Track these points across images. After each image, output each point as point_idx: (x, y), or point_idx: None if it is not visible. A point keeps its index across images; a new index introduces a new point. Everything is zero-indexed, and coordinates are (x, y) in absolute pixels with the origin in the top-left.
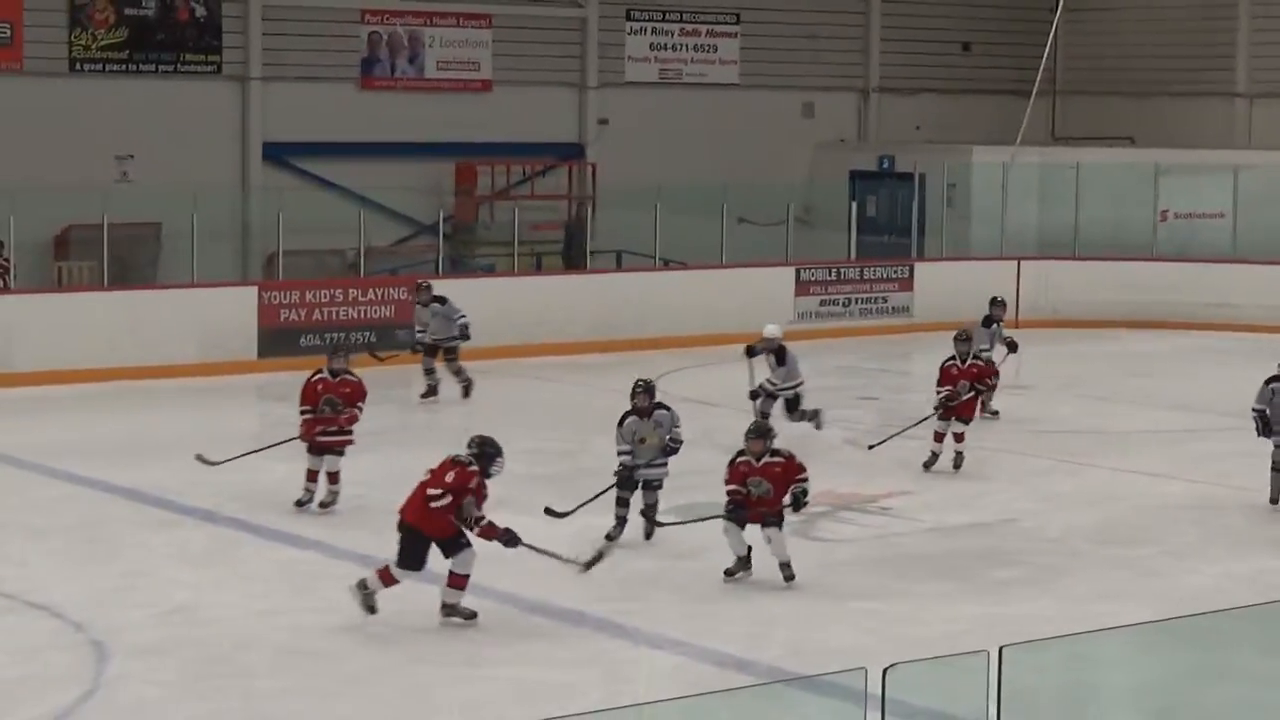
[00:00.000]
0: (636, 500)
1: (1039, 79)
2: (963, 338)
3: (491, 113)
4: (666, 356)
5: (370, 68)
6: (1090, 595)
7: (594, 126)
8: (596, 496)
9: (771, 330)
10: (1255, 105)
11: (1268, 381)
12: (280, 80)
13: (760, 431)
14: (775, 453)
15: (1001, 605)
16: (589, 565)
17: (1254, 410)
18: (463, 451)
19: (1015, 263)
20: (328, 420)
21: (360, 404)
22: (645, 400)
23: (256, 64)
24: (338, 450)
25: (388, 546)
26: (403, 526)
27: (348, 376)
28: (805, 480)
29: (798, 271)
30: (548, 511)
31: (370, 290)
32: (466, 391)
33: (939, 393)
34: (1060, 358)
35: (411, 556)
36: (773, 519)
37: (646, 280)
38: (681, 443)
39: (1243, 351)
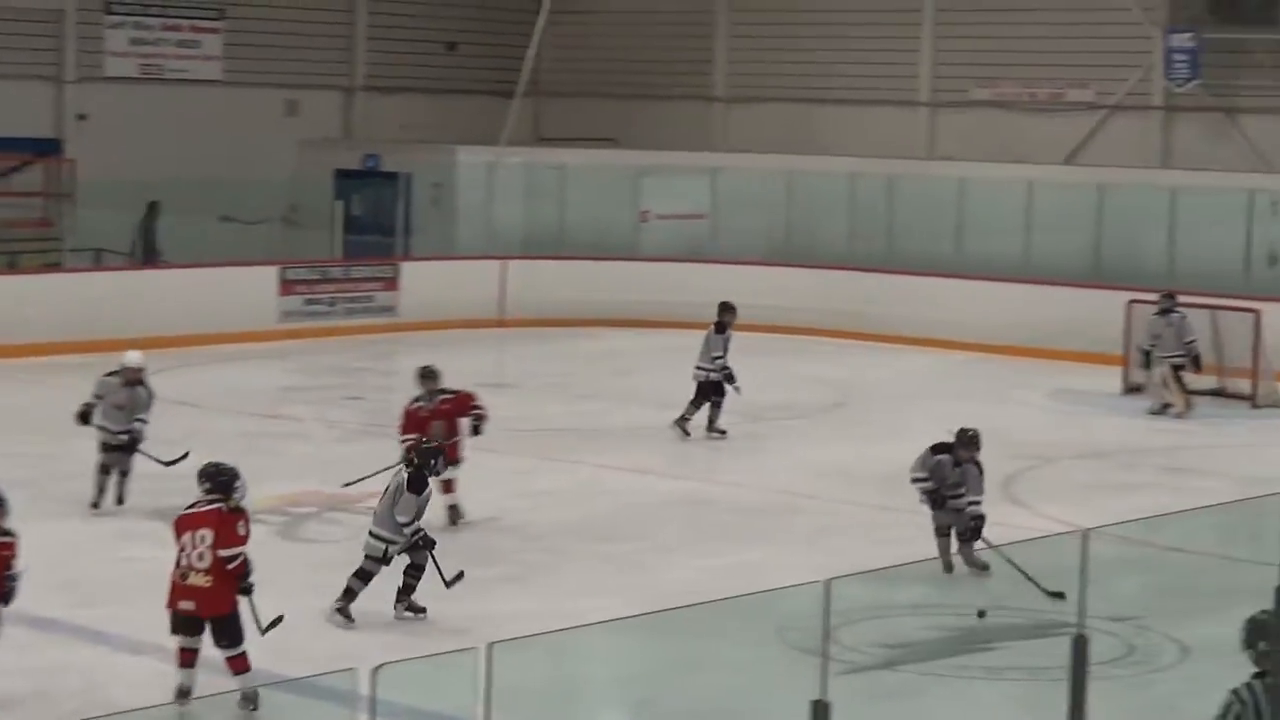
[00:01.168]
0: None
1: (523, 80)
2: (427, 374)
3: None
4: (148, 358)
5: None
6: (575, 591)
7: (72, 122)
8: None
9: (133, 359)
10: (732, 109)
11: (934, 450)
12: None
13: None
14: None
15: (488, 603)
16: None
17: (916, 479)
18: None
19: (501, 262)
20: None
21: None
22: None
23: None
24: None
25: None
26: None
27: None
28: None
29: (282, 270)
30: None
31: None
32: None
33: (403, 441)
34: (545, 357)
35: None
36: None
37: (126, 279)
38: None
39: None
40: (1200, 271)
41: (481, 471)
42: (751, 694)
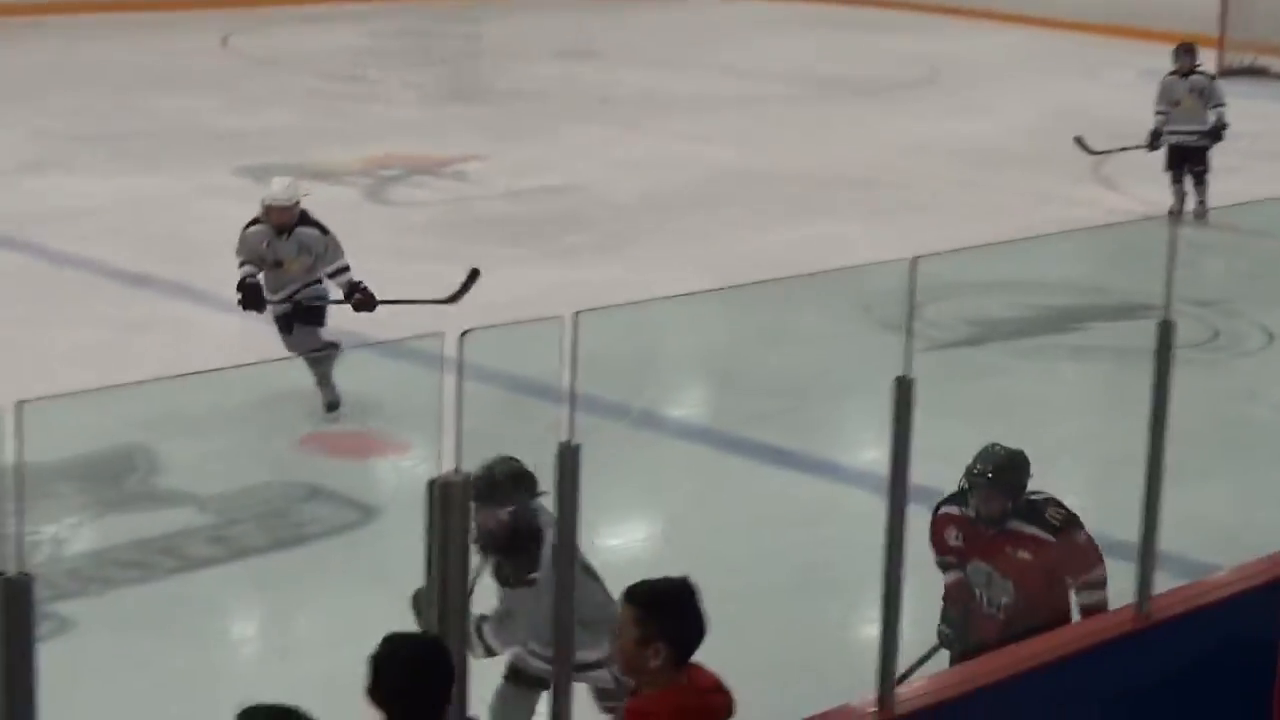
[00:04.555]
0: None
1: None
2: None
3: None
4: (226, 17)
5: None
6: (657, 261)
7: None
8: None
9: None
10: None
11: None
12: None
13: None
14: None
15: (573, 270)
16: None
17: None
18: None
19: None
20: None
21: None
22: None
23: None
24: None
25: None
26: None
27: None
28: None
29: None
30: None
31: None
32: None
33: None
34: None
35: None
36: None
37: None
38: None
39: (798, 20)
40: None
41: (570, 138)
42: (833, 369)
